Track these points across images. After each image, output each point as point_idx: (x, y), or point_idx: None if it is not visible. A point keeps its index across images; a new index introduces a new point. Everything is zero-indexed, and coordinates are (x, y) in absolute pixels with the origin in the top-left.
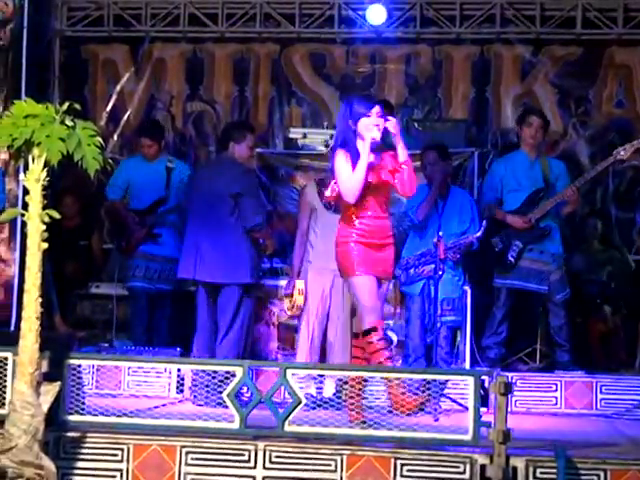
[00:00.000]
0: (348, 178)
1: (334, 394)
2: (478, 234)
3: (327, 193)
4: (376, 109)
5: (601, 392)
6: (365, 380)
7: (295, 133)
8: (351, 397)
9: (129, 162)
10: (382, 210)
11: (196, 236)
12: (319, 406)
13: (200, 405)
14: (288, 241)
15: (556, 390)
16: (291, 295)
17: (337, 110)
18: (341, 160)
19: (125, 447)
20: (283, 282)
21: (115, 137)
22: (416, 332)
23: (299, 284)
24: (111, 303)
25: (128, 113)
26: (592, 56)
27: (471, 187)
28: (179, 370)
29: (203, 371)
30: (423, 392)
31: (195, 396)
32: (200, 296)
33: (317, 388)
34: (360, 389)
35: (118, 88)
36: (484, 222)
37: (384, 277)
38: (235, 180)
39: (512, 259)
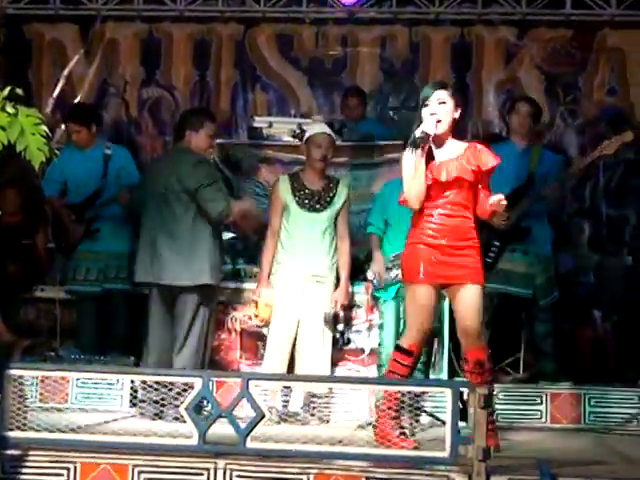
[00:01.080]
0: (408, 183)
1: (302, 407)
2: None
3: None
4: (436, 95)
5: (590, 405)
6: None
7: (260, 122)
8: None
9: (64, 153)
10: (458, 207)
11: (152, 235)
12: (285, 421)
13: (153, 420)
14: (254, 240)
15: (541, 403)
16: (256, 304)
17: (305, 97)
18: (404, 160)
19: (72, 466)
20: (247, 285)
21: (63, 126)
22: (390, 340)
23: (265, 295)
24: (56, 308)
25: (77, 99)
26: (582, 39)
27: None
28: (133, 382)
29: (150, 386)
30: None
31: (142, 412)
32: (154, 301)
33: (283, 401)
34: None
35: (66, 72)
36: None
37: (458, 282)
38: (189, 174)
39: (489, 260)
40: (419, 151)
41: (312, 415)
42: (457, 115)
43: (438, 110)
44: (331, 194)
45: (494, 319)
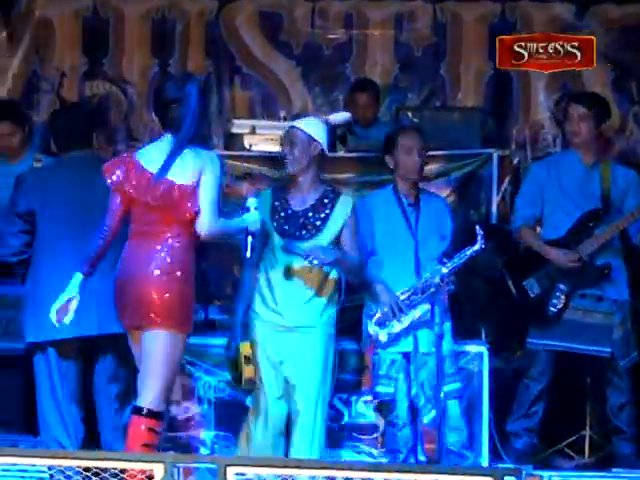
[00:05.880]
0: None
1: None
2: (477, 247)
3: None
4: None
5: None
6: None
7: (240, 127)
8: None
9: None
10: None
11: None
12: None
13: None
14: (229, 281)
15: None
16: (235, 362)
17: (298, 93)
18: None
19: None
20: (220, 340)
21: None
22: (403, 415)
23: (244, 348)
24: None
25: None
26: None
27: (488, 203)
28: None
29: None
30: None
31: None
32: (55, 362)
33: None
34: None
35: None
36: (478, 228)
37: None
38: None
39: (555, 309)
40: None
41: None
42: None
43: None
44: (323, 214)
45: (553, 387)
